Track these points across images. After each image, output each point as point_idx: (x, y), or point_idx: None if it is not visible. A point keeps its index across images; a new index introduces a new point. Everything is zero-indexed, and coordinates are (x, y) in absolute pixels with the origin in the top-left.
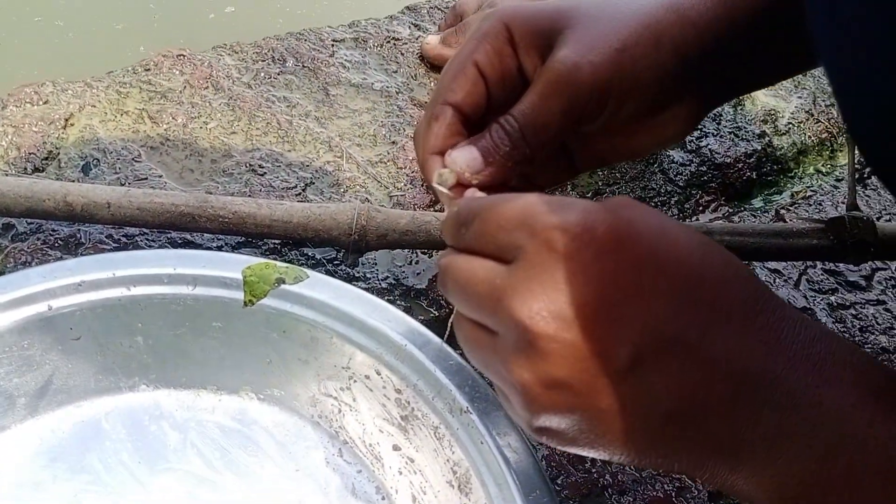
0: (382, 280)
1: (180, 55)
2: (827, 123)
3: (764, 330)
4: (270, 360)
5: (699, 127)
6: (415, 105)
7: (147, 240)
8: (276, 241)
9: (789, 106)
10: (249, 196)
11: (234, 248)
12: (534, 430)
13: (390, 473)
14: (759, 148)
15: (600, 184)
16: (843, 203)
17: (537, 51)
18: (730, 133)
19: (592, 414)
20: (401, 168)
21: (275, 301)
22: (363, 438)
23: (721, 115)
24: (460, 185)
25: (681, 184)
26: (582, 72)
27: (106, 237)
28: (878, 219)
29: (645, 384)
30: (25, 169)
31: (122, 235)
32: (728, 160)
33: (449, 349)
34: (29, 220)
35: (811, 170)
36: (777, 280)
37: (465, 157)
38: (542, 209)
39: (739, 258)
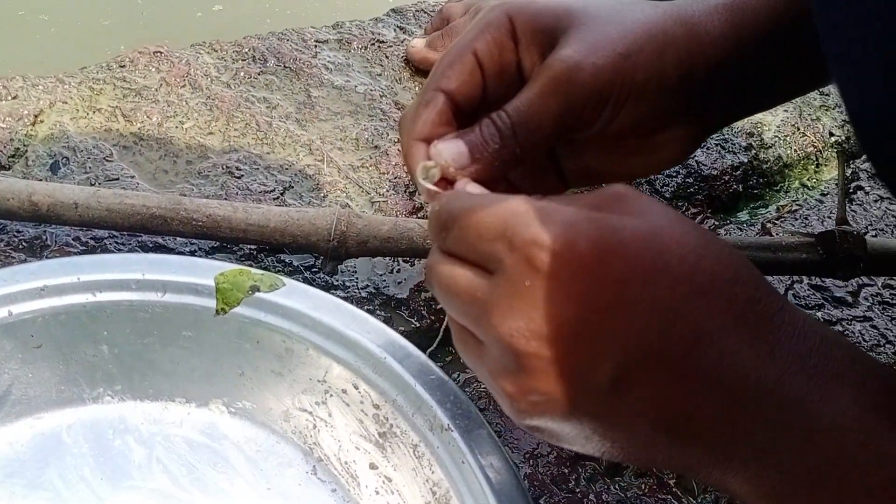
0: (362, 289)
1: (157, 52)
2: (813, 137)
3: (758, 341)
4: (243, 371)
5: None
6: (399, 109)
7: (116, 243)
8: (252, 247)
9: (775, 119)
10: (225, 199)
11: (208, 253)
12: (523, 427)
13: (366, 493)
14: (746, 161)
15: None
16: (828, 217)
17: (539, 48)
18: (716, 145)
19: (577, 423)
20: (383, 173)
21: (248, 310)
22: (339, 456)
23: None
24: (444, 180)
25: (667, 195)
26: (583, 72)
27: (73, 240)
28: (865, 234)
29: (629, 399)
30: None
31: (91, 238)
32: (714, 172)
33: (430, 363)
34: None
35: (796, 184)
36: None
37: (452, 151)
38: (522, 220)
39: None
